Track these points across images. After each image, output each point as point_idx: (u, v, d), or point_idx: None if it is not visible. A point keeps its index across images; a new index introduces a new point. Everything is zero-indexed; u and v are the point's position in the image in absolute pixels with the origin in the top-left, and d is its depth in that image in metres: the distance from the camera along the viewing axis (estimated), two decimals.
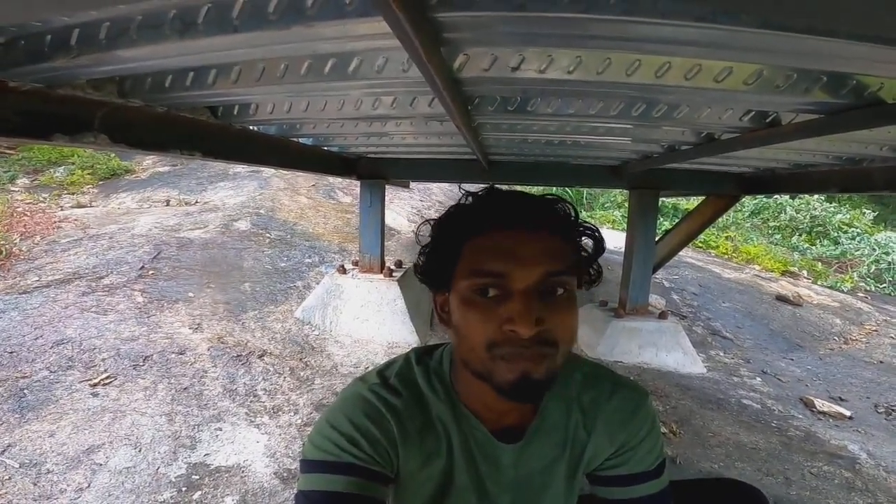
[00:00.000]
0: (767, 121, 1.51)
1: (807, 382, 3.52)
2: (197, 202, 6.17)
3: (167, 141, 1.51)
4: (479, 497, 0.70)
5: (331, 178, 7.02)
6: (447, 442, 0.70)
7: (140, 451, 2.14)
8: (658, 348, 3.30)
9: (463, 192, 0.69)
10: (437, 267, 0.65)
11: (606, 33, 0.85)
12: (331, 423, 0.66)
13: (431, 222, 0.69)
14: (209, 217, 5.21)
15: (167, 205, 6.12)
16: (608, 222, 8.03)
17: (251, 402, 2.61)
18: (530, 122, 1.84)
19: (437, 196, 7.86)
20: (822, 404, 3.03)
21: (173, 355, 2.90)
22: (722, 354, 3.86)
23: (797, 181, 2.87)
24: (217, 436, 2.29)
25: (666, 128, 1.79)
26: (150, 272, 3.94)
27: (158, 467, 2.06)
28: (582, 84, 1.19)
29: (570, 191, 8.83)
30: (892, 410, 3.15)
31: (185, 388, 2.62)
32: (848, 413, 3.00)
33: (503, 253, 0.58)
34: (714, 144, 1.86)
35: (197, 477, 2.02)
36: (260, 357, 3.02)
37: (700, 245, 7.27)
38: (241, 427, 2.38)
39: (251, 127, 2.01)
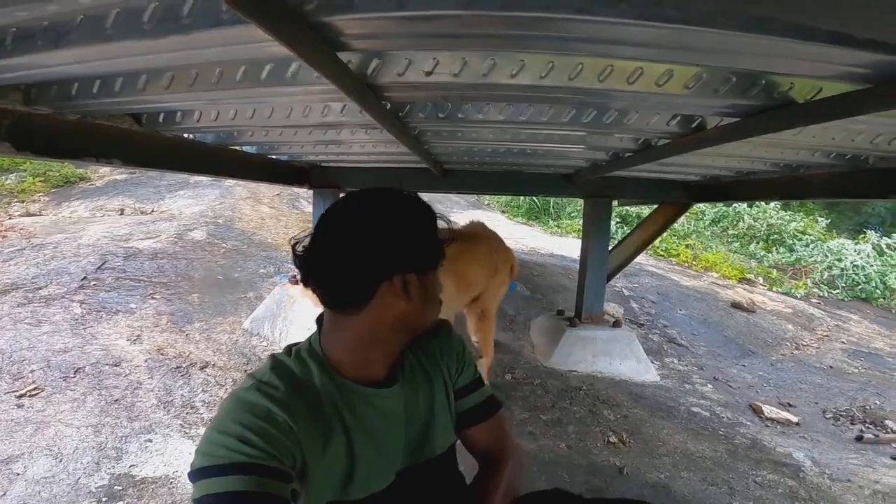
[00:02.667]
0: (693, 126, 1.53)
1: (757, 389, 3.60)
2: (153, 211, 5.97)
3: (80, 149, 1.44)
4: (378, 454, 0.75)
5: (296, 188, 6.92)
6: (339, 416, 0.72)
7: (61, 461, 2.07)
8: (612, 357, 3.31)
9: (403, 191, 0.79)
10: (435, 252, 0.78)
11: (500, 31, 0.83)
12: (216, 429, 0.64)
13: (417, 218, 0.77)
14: (163, 226, 5.04)
15: (121, 214, 5.90)
16: (573, 231, 8.13)
17: (187, 413, 2.53)
18: (468, 129, 1.83)
19: None
20: (770, 410, 3.08)
21: (107, 367, 2.81)
22: (676, 362, 3.91)
23: (741, 189, 2.94)
24: (146, 447, 2.24)
25: (605, 133, 1.80)
26: (92, 283, 3.78)
27: (79, 478, 1.99)
28: (501, 88, 1.17)
29: (537, 201, 8.93)
30: (840, 416, 3.22)
31: (115, 400, 2.55)
32: (795, 419, 3.05)
33: None
34: (651, 151, 1.88)
35: (119, 488, 1.95)
36: (202, 369, 2.92)
37: (661, 253, 7.42)
38: (174, 439, 2.31)
39: (186, 135, 1.94)
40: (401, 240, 0.73)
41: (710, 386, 3.49)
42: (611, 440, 2.51)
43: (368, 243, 0.71)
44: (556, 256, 6.26)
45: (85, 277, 3.86)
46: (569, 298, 4.34)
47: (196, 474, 0.61)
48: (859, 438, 2.91)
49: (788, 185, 2.59)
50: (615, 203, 3.73)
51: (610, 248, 3.56)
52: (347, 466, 0.71)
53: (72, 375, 2.70)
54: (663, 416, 2.84)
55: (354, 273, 0.72)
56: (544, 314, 3.88)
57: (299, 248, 0.75)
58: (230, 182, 6.74)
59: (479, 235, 2.93)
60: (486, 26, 0.80)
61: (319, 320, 0.79)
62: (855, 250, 7.78)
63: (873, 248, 7.91)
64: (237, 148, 2.24)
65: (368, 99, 1.17)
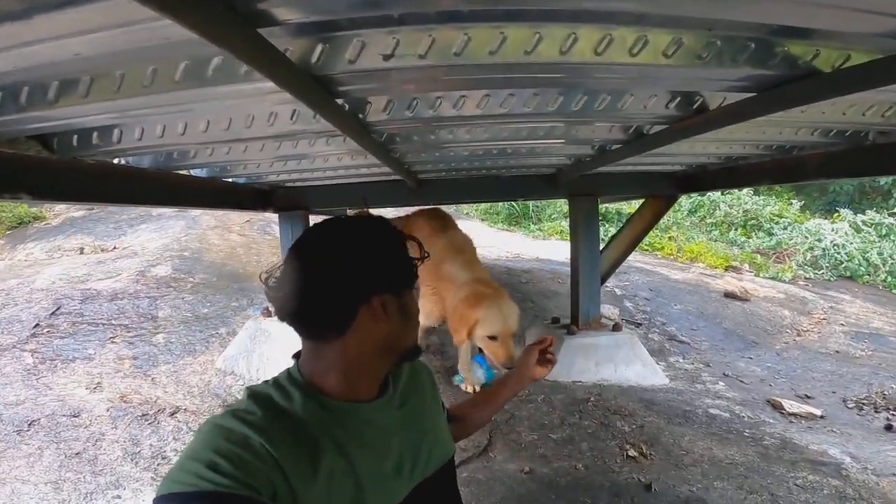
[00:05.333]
0: (694, 107, 1.36)
1: (770, 382, 3.43)
2: (115, 248, 5.62)
3: None
4: (396, 468, 0.74)
5: (260, 212, 6.65)
6: (329, 435, 0.69)
7: None
8: (616, 363, 3.12)
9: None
10: (407, 273, 0.76)
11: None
12: (187, 455, 0.60)
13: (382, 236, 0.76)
14: (124, 264, 4.70)
15: (81, 253, 5.53)
16: (556, 233, 7.99)
17: (158, 465, 2.35)
18: (441, 129, 1.63)
19: None
20: (790, 405, 2.91)
21: (64, 418, 2.62)
22: (682, 360, 3.74)
23: (730, 176, 2.82)
24: None
25: (592, 123, 1.62)
26: (46, 329, 3.49)
27: None
28: (477, 70, 0.97)
29: (516, 205, 8.79)
30: (862, 404, 3.07)
31: (76, 454, 2.37)
32: (818, 412, 2.88)
33: None
34: (644, 141, 1.71)
35: None
36: (171, 415, 2.67)
37: (646, 248, 7.32)
38: (146, 493, 2.16)
39: (117, 160, 1.69)
40: (374, 263, 0.72)
41: (721, 384, 3.31)
42: (630, 454, 2.30)
43: (343, 270, 0.70)
44: (542, 261, 6.09)
45: (37, 325, 3.58)
46: (561, 304, 4.15)
47: (160, 500, 0.57)
48: (889, 428, 2.76)
49: (780, 169, 2.46)
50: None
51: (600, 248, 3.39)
52: (355, 486, 0.68)
53: (25, 429, 2.54)
54: (681, 422, 2.64)
55: (332, 301, 0.71)
56: (538, 323, 3.68)
57: (272, 282, 0.74)
58: (196, 212, 6.42)
59: None
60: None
61: (297, 356, 0.77)
62: (832, 229, 7.84)
63: (850, 226, 7.98)
64: (183, 172, 1.99)
65: (317, 96, 0.96)
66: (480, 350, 2.56)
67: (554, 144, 1.91)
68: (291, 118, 1.32)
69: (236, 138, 1.42)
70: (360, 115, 1.31)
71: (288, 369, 0.76)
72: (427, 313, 2.74)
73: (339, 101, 1.13)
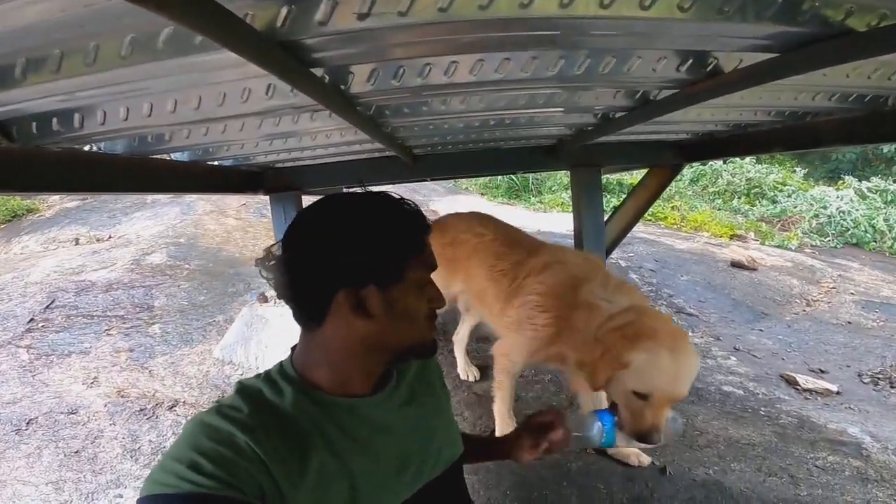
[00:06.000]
0: (707, 70, 1.24)
1: (782, 356, 3.36)
2: (110, 237, 5.54)
3: None
4: (379, 467, 0.70)
5: (263, 195, 6.55)
6: (319, 432, 0.66)
7: None
8: None
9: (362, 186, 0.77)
10: (388, 262, 0.68)
11: None
12: (169, 454, 0.59)
13: (361, 225, 0.70)
14: (118, 254, 4.63)
15: (76, 244, 5.46)
16: (557, 205, 7.87)
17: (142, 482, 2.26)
18: (432, 100, 1.51)
19: None
20: (805, 381, 2.84)
21: (62, 416, 2.60)
22: (691, 334, 3.66)
23: (739, 143, 2.68)
24: (117, 503, 2.08)
25: (595, 89, 1.50)
26: (41, 324, 3.44)
27: None
28: (466, 29, 0.86)
29: (516, 178, 8.64)
30: (878, 379, 2.99)
31: (75, 452, 2.35)
32: (834, 388, 2.82)
33: (432, 251, 0.76)
34: (650, 107, 1.59)
35: None
36: (170, 408, 2.64)
37: (649, 218, 7.20)
38: None
39: (88, 147, 1.58)
40: (348, 251, 0.67)
41: (733, 359, 3.24)
42: None
43: (315, 256, 0.67)
44: (544, 233, 5.99)
45: (32, 319, 3.53)
46: None
47: (142, 502, 0.57)
48: None
49: (793, 136, 2.33)
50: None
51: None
52: (349, 485, 0.66)
53: (24, 428, 2.52)
54: (694, 401, 2.57)
55: (306, 288, 0.69)
56: None
57: (268, 261, 0.72)
58: (191, 197, 6.33)
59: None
60: None
61: (294, 347, 0.76)
62: (837, 196, 7.72)
63: (855, 193, 7.85)
64: (164, 157, 1.88)
65: (283, 64, 0.84)
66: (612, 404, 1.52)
67: (555, 113, 1.79)
68: (267, 93, 1.20)
69: (210, 117, 1.31)
70: (343, 87, 1.20)
71: (281, 362, 0.75)
72: (536, 349, 1.94)
73: (317, 71, 1.02)
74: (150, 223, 5.69)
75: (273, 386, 0.70)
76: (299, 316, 0.72)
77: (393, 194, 0.74)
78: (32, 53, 0.83)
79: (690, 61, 1.22)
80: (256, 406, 0.65)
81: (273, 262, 0.71)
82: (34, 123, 1.24)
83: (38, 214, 6.82)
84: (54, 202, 7.13)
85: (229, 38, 0.68)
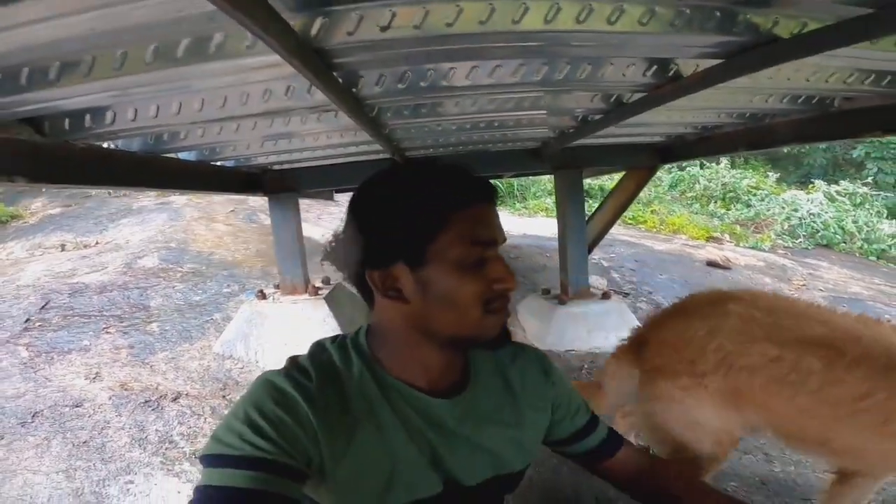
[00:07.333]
0: (670, 74, 1.44)
1: None
2: (97, 243, 5.55)
3: None
4: (433, 464, 0.67)
5: (252, 201, 6.62)
6: (375, 418, 0.65)
7: None
8: (608, 330, 3.22)
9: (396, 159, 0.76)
10: (409, 239, 0.62)
11: None
12: (235, 414, 0.60)
13: (385, 195, 0.66)
14: (109, 258, 4.66)
15: (62, 249, 5.45)
16: (541, 210, 8.10)
17: (166, 449, 2.37)
18: (431, 102, 1.68)
19: None
20: None
21: (67, 409, 2.63)
22: None
23: (707, 144, 2.91)
24: (128, 490, 2.12)
25: (575, 93, 1.69)
26: (38, 324, 3.47)
27: None
28: (468, 39, 1.03)
29: (501, 184, 8.86)
30: None
31: (84, 442, 2.40)
32: None
33: (488, 223, 0.66)
34: (623, 109, 1.78)
35: None
36: (174, 400, 2.72)
37: (630, 221, 7.49)
38: (157, 477, 2.19)
39: (107, 144, 1.71)
40: (366, 227, 0.64)
41: None
42: None
43: (346, 231, 0.67)
44: (530, 237, 6.20)
45: (28, 319, 3.57)
46: (551, 277, 4.26)
47: (204, 460, 0.58)
48: None
49: (754, 136, 2.57)
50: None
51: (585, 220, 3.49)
52: (388, 466, 0.65)
53: (29, 420, 2.52)
54: None
55: (343, 265, 0.68)
56: (530, 295, 3.78)
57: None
58: (178, 204, 6.38)
59: None
60: None
61: None
62: (808, 199, 8.10)
63: (825, 196, 8.25)
64: (172, 156, 2.01)
65: (315, 67, 1.00)
66: None
67: (539, 115, 1.97)
68: (286, 93, 1.36)
69: (230, 116, 1.45)
70: (354, 90, 1.36)
71: (359, 330, 0.72)
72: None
73: (336, 75, 1.18)
74: (137, 229, 5.71)
75: (345, 354, 0.68)
76: (360, 294, 0.70)
77: (442, 162, 0.68)
78: (99, 52, 0.97)
79: (655, 67, 1.42)
80: (324, 375, 0.65)
81: (332, 242, 0.71)
82: (67, 119, 1.37)
83: (22, 221, 6.76)
84: (38, 209, 7.07)
85: (279, 38, 0.82)
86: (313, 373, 0.64)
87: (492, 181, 0.70)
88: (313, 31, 0.94)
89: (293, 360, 0.67)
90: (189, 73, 1.07)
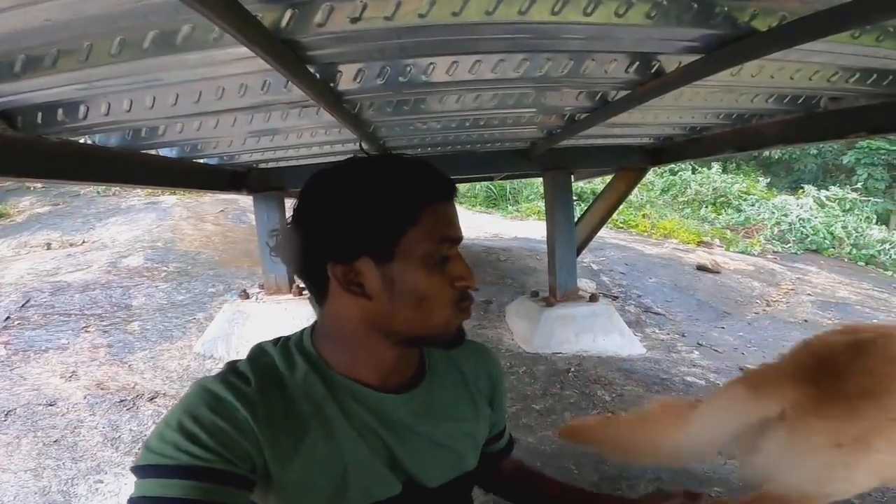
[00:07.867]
0: (652, 70, 1.42)
1: (742, 350, 3.58)
2: (83, 242, 5.48)
3: None
4: (390, 464, 0.65)
5: (242, 202, 6.57)
6: (323, 419, 0.63)
7: None
8: (595, 333, 3.22)
9: (359, 150, 0.69)
10: (377, 232, 0.59)
11: None
12: (167, 423, 0.57)
13: (344, 192, 0.61)
14: (94, 257, 4.60)
15: (48, 248, 5.38)
16: (534, 213, 8.10)
17: (139, 449, 2.28)
18: (413, 99, 1.65)
19: None
20: None
21: (41, 407, 2.61)
22: (658, 331, 3.87)
23: (696, 146, 2.91)
24: (96, 489, 2.09)
25: (559, 90, 1.67)
26: (16, 322, 3.43)
27: None
28: (441, 30, 1.01)
29: (494, 188, 8.86)
30: None
31: (55, 441, 2.37)
32: None
33: (452, 220, 0.63)
34: (609, 107, 1.77)
35: None
36: (150, 399, 2.69)
37: (621, 225, 7.51)
38: (128, 477, 2.14)
39: (83, 139, 1.67)
40: (329, 219, 0.61)
41: (696, 353, 3.44)
42: None
43: (301, 223, 0.62)
44: (520, 239, 6.19)
45: (8, 317, 3.51)
46: (540, 280, 4.24)
47: (137, 471, 0.55)
48: None
49: (741, 137, 2.56)
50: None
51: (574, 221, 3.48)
52: (340, 468, 0.62)
53: (2, 419, 2.50)
54: (659, 390, 2.75)
55: (297, 258, 0.64)
56: (519, 298, 3.76)
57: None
58: (167, 204, 6.32)
59: None
60: None
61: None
62: (798, 205, 8.16)
63: (814, 202, 8.31)
64: (152, 152, 1.97)
65: (287, 59, 0.97)
66: None
67: (524, 114, 1.95)
68: (262, 88, 1.33)
69: (207, 111, 1.42)
70: (332, 84, 1.33)
71: (303, 331, 0.70)
72: None
73: (311, 67, 1.15)
74: (124, 228, 5.65)
75: (287, 357, 0.66)
76: (308, 289, 0.68)
77: (406, 156, 0.65)
78: (64, 43, 0.94)
79: (637, 63, 1.40)
80: (264, 379, 0.62)
81: (276, 233, 0.68)
82: (40, 113, 1.33)
83: (8, 219, 6.68)
84: (25, 207, 6.98)
85: (243, 31, 0.80)
86: (252, 377, 0.62)
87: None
88: (283, 22, 0.91)
89: (231, 365, 0.65)
90: (158, 66, 1.04)
